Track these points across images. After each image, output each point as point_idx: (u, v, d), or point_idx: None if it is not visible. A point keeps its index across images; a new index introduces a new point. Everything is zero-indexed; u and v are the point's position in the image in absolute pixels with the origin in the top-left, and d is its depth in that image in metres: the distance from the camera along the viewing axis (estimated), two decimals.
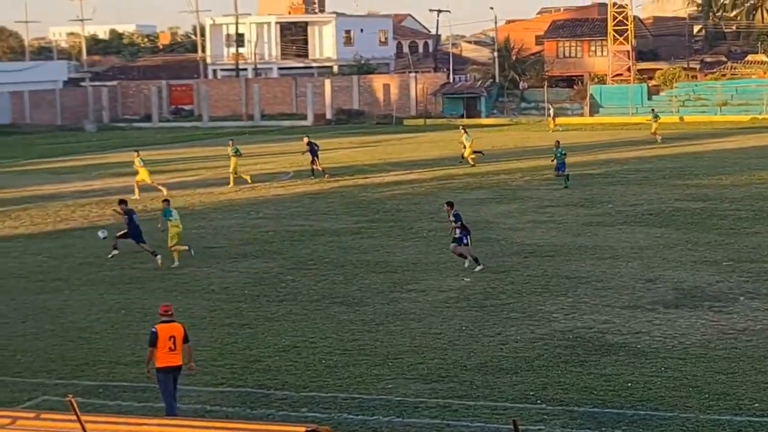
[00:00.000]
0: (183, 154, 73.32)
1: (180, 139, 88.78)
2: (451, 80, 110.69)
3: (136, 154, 50.94)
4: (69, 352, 23.44)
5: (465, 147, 58.46)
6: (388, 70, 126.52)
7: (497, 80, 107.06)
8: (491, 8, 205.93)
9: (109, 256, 34.32)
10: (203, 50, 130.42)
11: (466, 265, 31.13)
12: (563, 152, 51.02)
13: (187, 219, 42.33)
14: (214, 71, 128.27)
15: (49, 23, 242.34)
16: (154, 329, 18.66)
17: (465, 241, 31.22)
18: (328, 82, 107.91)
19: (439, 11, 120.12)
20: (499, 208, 43.17)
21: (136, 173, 50.42)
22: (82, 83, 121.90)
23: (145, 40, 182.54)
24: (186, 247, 33.70)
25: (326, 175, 54.45)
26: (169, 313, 18.90)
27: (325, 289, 29.23)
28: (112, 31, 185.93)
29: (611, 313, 25.53)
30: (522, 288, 28.62)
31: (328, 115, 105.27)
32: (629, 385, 20.19)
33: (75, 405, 10.11)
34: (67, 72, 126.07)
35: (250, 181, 52.34)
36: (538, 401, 19.49)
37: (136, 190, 49.22)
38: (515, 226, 38.74)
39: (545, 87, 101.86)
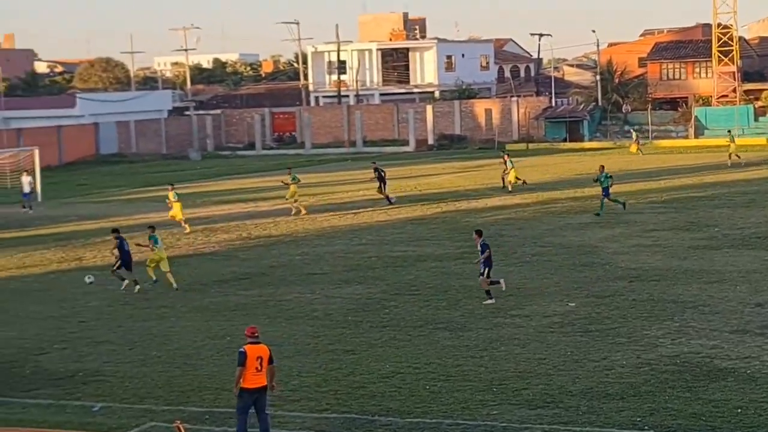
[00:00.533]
0: (286, 181, 73.57)
1: (283, 167, 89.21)
2: (553, 104, 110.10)
3: (170, 188, 49.86)
4: (175, 379, 23.64)
5: (507, 172, 58.76)
6: (490, 94, 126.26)
7: (600, 103, 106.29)
8: (593, 31, 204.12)
9: (135, 290, 34.43)
10: (305, 78, 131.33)
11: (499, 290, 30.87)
12: (609, 176, 49.30)
13: (291, 245, 42.68)
14: (317, 98, 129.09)
15: (153, 53, 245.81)
16: (242, 349, 18.89)
17: (482, 271, 30.81)
18: (429, 108, 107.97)
19: (541, 35, 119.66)
20: (603, 233, 42.78)
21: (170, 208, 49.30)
22: (187, 112, 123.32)
23: (248, 68, 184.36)
24: (155, 278, 34.90)
25: (390, 202, 55.12)
26: (256, 334, 19.17)
27: (428, 314, 29.17)
28: (216, 60, 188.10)
29: (719, 338, 25.13)
30: (627, 312, 28.31)
31: (430, 141, 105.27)
32: (739, 411, 19.83)
33: (182, 431, 10.17)
34: (171, 101, 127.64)
35: (303, 211, 52.11)
36: (645, 427, 19.22)
37: (187, 226, 48.36)
38: (620, 251, 38.35)
39: (649, 109, 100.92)
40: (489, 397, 21.38)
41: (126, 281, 34.77)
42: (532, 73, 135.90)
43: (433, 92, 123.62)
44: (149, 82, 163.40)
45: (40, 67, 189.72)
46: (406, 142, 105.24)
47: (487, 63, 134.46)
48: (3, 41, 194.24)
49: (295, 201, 53.15)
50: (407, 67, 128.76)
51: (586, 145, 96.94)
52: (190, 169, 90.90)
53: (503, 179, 59.83)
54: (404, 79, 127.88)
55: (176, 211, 48.92)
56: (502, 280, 31.27)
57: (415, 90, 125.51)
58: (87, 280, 35.00)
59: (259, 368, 18.86)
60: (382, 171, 56.12)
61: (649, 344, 24.84)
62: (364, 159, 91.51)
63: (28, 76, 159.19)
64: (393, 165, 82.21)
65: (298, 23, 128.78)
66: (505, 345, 25.38)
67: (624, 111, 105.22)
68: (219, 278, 36.09)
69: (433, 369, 23.53)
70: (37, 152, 69.62)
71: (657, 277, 33.05)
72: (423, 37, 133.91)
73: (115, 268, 35.03)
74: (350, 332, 27.43)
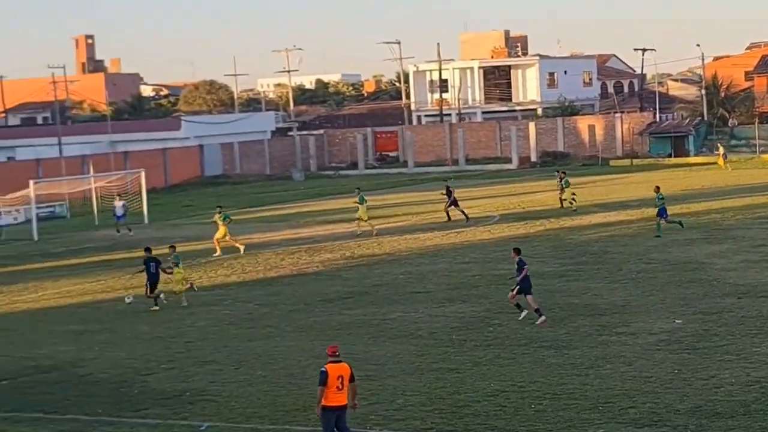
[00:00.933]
0: (389, 200, 73.92)
1: (385, 186, 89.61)
2: (658, 119, 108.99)
3: (218, 210, 50.57)
4: (281, 398, 23.75)
5: (562, 191, 59.26)
6: (593, 110, 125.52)
7: (705, 118, 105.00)
8: (697, 45, 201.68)
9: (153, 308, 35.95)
10: (407, 97, 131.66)
11: (522, 316, 30.50)
12: (661, 197, 48.46)
13: (394, 264, 42.72)
14: (419, 117, 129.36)
15: (257, 75, 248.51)
16: (324, 369, 19.16)
17: (515, 289, 30.50)
18: (532, 125, 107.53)
19: (644, 50, 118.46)
20: (710, 248, 42.21)
21: (226, 230, 49.91)
22: (290, 133, 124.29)
23: (350, 88, 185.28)
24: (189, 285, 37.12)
25: (449, 220, 56.29)
26: (337, 353, 19.46)
27: (532, 332, 28.99)
28: (318, 81, 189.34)
29: None
30: (736, 329, 27.87)
31: (533, 158, 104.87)
32: None
33: None
34: (275, 122, 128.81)
35: (374, 233, 52.36)
36: None
37: (219, 248, 49.29)
38: (727, 266, 37.80)
39: (756, 123, 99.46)
40: (595, 415, 21.17)
41: (156, 306, 36.24)
42: (636, 89, 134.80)
43: (535, 109, 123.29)
44: (253, 103, 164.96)
45: (146, 91, 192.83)
46: (508, 160, 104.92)
47: (590, 79, 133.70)
48: (110, 66, 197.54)
49: (366, 220, 53.56)
50: (509, 85, 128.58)
51: (692, 160, 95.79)
52: (294, 189, 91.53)
53: (560, 200, 59.83)
54: (506, 97, 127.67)
55: (222, 233, 49.63)
56: (524, 312, 30.42)
57: (518, 107, 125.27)
58: (127, 300, 35.90)
59: (341, 387, 19.15)
60: (452, 189, 57.21)
61: (759, 361, 24.43)
62: (466, 177, 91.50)
63: (134, 99, 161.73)
64: (496, 183, 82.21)
65: (399, 43, 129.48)
66: (611, 363, 25.13)
67: (730, 125, 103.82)
68: (323, 298, 36.24)
69: (538, 387, 23.38)
70: (143, 174, 70.61)
71: (766, 293, 32.51)
72: (525, 54, 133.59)
73: (149, 292, 36.40)
74: (454, 351, 27.35)
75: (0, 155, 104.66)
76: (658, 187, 48.71)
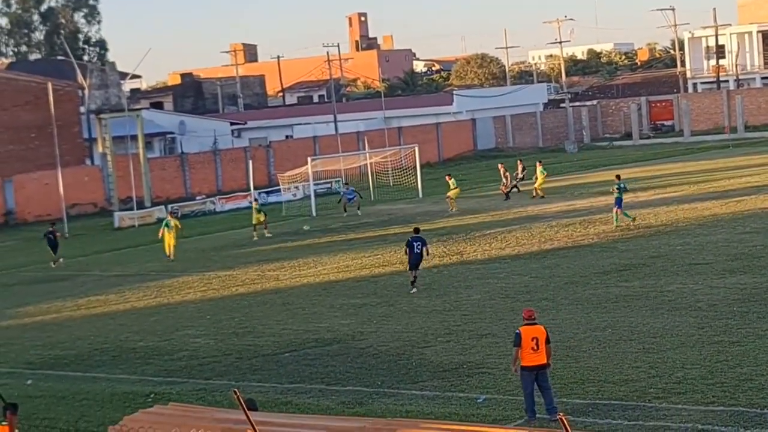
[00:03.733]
0: (665, 170, 72.59)
1: (661, 156, 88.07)
2: None
3: (255, 201, 56.90)
4: (558, 371, 23.61)
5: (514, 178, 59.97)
6: None
7: None
8: None
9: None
10: (682, 64, 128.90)
11: None
12: (621, 186, 46.06)
13: (672, 235, 41.96)
14: (694, 85, 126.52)
15: (528, 47, 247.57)
16: (518, 331, 20.59)
17: None
18: None
19: None
20: None
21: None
22: (562, 104, 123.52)
23: (623, 57, 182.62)
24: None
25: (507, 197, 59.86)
26: (533, 317, 20.81)
27: None
28: (590, 51, 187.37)
29: None
30: None
31: None
32: None
33: (566, 423, 10.16)
34: (547, 94, 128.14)
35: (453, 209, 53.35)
36: None
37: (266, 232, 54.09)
38: None
39: None
40: None
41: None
42: None
43: None
44: (524, 76, 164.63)
45: (418, 66, 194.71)
46: None
47: None
48: (382, 43, 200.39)
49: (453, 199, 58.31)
50: None
51: None
52: (567, 161, 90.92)
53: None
54: None
55: (258, 218, 54.87)
56: None
57: None
58: (305, 227, 36.59)
59: (536, 348, 20.34)
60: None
61: None
62: (746, 145, 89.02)
63: (407, 75, 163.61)
64: None
65: (673, 9, 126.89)
66: None
67: None
68: (599, 270, 35.89)
69: None
70: (417, 149, 71.41)
71: None
72: None
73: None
74: (736, 323, 26.65)
75: (278, 134, 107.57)
76: (618, 176, 47.99)
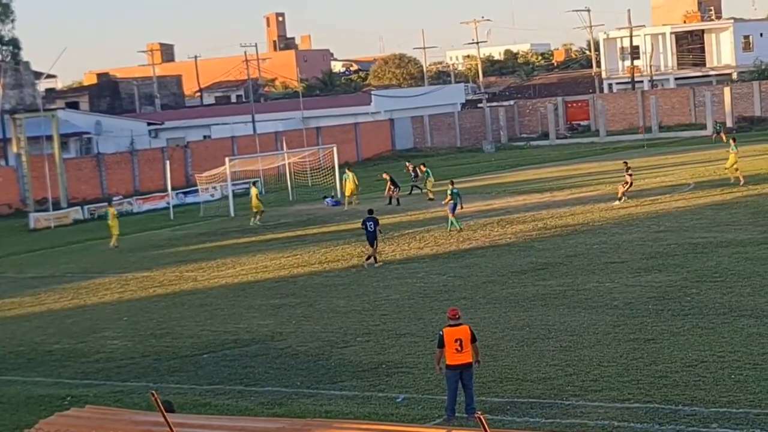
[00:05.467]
0: (581, 170, 73.26)
1: (577, 155, 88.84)
2: None
3: (254, 184, 58.41)
4: (477, 370, 23.68)
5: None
6: None
7: None
8: None
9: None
10: (598, 65, 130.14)
11: None
12: (455, 192, 47.35)
13: (588, 234, 42.35)
14: (610, 85, 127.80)
15: (446, 48, 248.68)
16: (441, 333, 20.76)
17: None
18: (727, 90, 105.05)
19: None
20: None
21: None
22: (480, 105, 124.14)
23: (540, 58, 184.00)
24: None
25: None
26: (457, 316, 20.85)
27: (731, 301, 28.38)
28: (507, 52, 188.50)
29: None
30: None
31: (729, 124, 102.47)
32: None
33: (484, 421, 10.20)
34: (464, 94, 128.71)
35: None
36: None
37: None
38: None
39: None
40: None
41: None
42: None
43: (730, 74, 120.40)
44: (442, 76, 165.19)
45: (336, 67, 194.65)
46: (703, 126, 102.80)
47: None
48: (300, 43, 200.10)
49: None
50: (702, 50, 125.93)
51: None
52: (485, 161, 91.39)
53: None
54: (699, 62, 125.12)
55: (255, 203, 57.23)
56: None
57: (711, 72, 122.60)
58: (328, 202, 38.67)
59: (460, 348, 20.44)
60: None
61: None
62: (660, 145, 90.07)
63: (325, 75, 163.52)
64: (690, 150, 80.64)
65: (589, 10, 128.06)
66: None
67: None
68: (516, 269, 36.14)
69: (739, 357, 22.89)
70: (335, 149, 71.39)
71: None
72: (719, 17, 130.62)
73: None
74: (651, 321, 26.98)
75: (196, 134, 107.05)
76: (452, 181, 49.22)
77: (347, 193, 62.21)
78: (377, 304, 32.48)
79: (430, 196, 60.65)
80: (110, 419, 14.11)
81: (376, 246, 39.65)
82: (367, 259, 39.77)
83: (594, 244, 39.79)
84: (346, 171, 63.75)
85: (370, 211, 41.46)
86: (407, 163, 70.08)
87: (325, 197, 65.67)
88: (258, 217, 57.23)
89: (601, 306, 29.30)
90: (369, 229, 39.16)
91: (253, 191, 58.36)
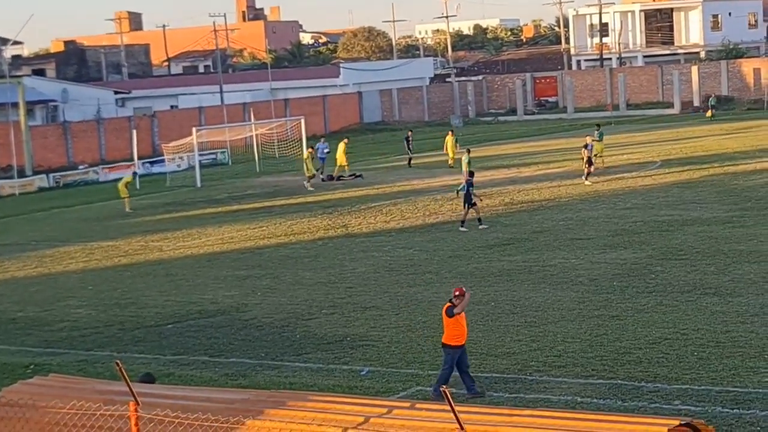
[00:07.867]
0: (548, 146, 73.38)
1: (545, 131, 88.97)
2: None
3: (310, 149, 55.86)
4: (438, 344, 23.81)
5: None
6: (759, 53, 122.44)
7: None
8: None
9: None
10: (566, 41, 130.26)
11: None
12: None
13: (554, 210, 42.48)
14: (578, 62, 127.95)
15: (415, 21, 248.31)
16: (456, 310, 20.61)
17: None
18: (695, 69, 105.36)
19: None
20: None
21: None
22: (448, 79, 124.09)
23: (509, 33, 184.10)
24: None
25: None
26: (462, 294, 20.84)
27: (695, 279, 28.55)
28: (477, 27, 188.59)
29: None
30: None
31: (696, 103, 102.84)
32: None
33: (449, 395, 10.22)
34: (433, 69, 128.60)
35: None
36: None
37: None
38: None
39: None
40: (761, 364, 20.81)
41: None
42: None
43: (698, 53, 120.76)
44: (411, 50, 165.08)
45: (305, 39, 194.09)
46: (670, 105, 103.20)
47: (756, 21, 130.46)
48: (269, 14, 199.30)
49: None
50: (671, 28, 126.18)
51: None
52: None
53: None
54: (668, 40, 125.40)
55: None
56: None
57: (680, 51, 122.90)
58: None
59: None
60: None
61: None
62: (627, 122, 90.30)
63: (294, 47, 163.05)
64: (658, 128, 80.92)
65: None
66: None
67: None
68: (482, 244, 36.21)
69: (702, 335, 23.04)
70: (303, 121, 71.19)
71: None
72: None
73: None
74: (616, 298, 27.11)
75: (163, 103, 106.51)
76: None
77: (342, 163, 59.54)
78: (343, 277, 32.48)
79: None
80: (74, 388, 14.05)
81: (467, 209, 39.81)
82: (479, 222, 39.84)
83: (560, 221, 39.91)
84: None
85: (471, 174, 41.93)
86: (410, 132, 70.06)
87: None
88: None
89: (566, 282, 29.41)
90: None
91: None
